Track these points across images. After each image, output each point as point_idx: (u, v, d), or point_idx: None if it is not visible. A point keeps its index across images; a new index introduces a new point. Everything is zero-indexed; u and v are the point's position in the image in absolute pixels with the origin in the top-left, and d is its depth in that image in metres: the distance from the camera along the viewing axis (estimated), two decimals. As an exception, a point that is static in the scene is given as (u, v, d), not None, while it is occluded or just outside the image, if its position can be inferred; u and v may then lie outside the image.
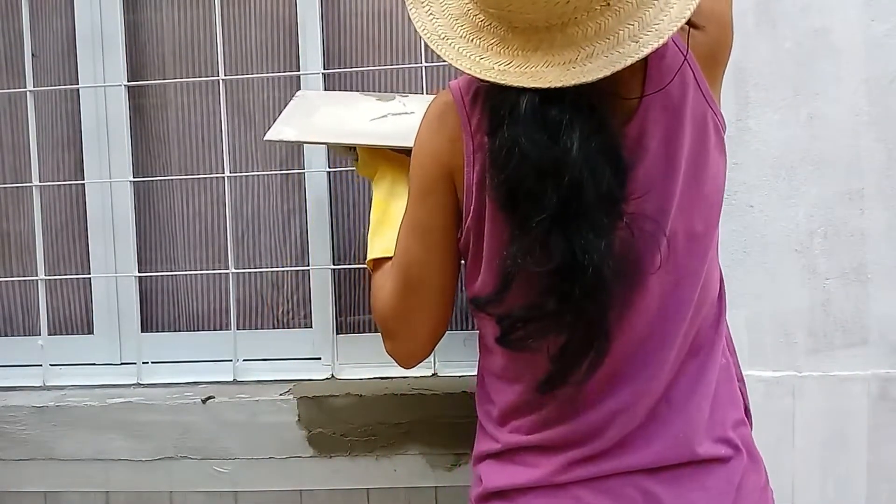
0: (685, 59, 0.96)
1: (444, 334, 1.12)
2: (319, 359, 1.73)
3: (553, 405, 1.00)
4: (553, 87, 0.85)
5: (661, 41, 0.85)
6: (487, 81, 0.89)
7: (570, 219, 0.85)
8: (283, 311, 1.82)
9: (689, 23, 0.99)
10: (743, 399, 1.12)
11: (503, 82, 0.88)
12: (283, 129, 1.42)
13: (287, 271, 1.81)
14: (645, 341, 0.98)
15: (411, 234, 1.05)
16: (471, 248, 1.02)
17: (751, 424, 1.12)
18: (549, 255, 0.86)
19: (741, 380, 1.14)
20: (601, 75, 0.85)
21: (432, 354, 1.63)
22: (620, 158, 0.89)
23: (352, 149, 1.40)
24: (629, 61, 0.85)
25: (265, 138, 1.42)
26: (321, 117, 1.43)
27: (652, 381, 0.99)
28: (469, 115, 0.98)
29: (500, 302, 0.93)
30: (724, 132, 1.02)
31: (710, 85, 1.00)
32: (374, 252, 1.18)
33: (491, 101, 0.92)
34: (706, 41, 1.00)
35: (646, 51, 0.85)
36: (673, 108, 0.95)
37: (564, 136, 0.85)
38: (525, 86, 0.86)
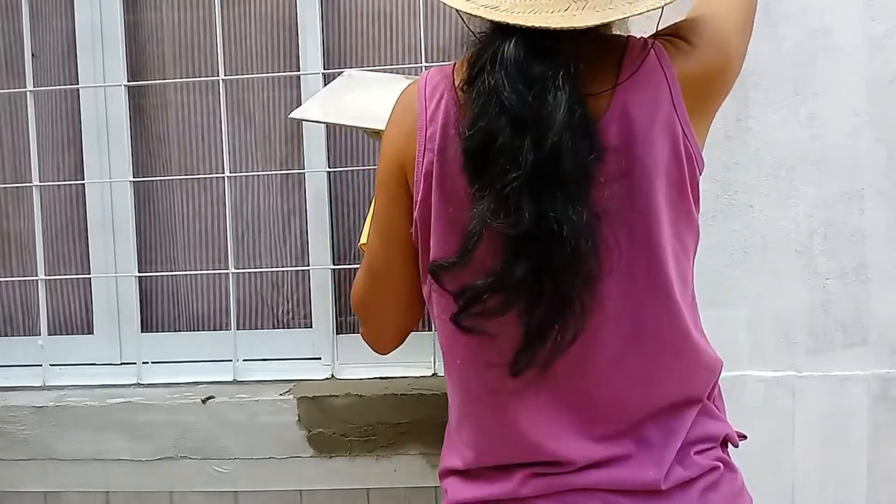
0: (663, 70, 0.92)
1: (416, 323, 1.12)
2: (319, 359, 1.73)
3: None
4: (539, 26, 0.83)
5: (656, 4, 0.86)
6: (474, 17, 0.88)
7: (546, 185, 0.82)
8: (283, 311, 1.82)
9: (680, 35, 0.97)
10: (718, 405, 1.08)
11: (490, 17, 0.86)
12: (309, 108, 1.42)
13: (287, 271, 1.81)
14: (604, 345, 0.94)
15: (374, 227, 1.06)
16: (420, 243, 1.00)
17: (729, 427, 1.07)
18: (520, 217, 0.83)
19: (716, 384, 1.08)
20: (592, 23, 0.84)
21: (432, 354, 1.63)
22: (597, 137, 0.87)
23: (379, 132, 1.40)
24: (621, 14, 0.85)
25: (290, 115, 1.43)
26: (353, 99, 1.43)
27: (608, 390, 0.96)
28: (426, 106, 0.96)
29: (462, 267, 0.89)
30: (700, 170, 0.96)
31: (692, 112, 0.94)
32: (363, 237, 1.22)
33: (474, 48, 0.90)
34: (697, 63, 0.95)
35: (639, 9, 0.85)
36: (637, 122, 0.90)
37: (550, 94, 0.83)
38: (510, 22, 0.84)
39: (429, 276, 0.96)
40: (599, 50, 0.93)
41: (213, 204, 1.83)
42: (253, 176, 1.80)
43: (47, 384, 1.74)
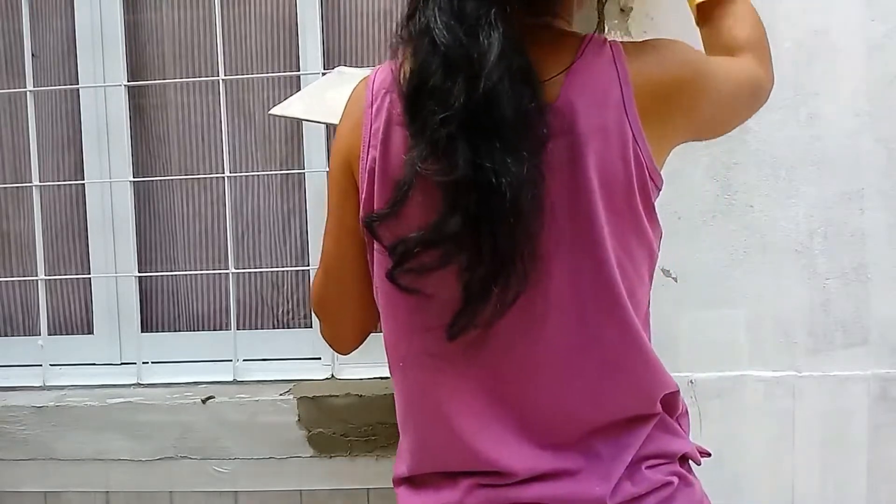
0: (616, 69, 0.88)
1: (374, 322, 1.07)
2: (319, 359, 1.73)
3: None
4: None
5: None
6: None
7: (482, 132, 0.79)
8: (283, 311, 1.82)
9: (654, 42, 0.94)
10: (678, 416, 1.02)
11: None
12: (290, 105, 1.41)
13: (287, 271, 1.81)
14: (550, 348, 0.90)
15: (327, 224, 1.03)
16: (367, 239, 0.97)
17: (686, 431, 1.04)
18: (453, 164, 0.79)
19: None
20: None
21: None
22: (540, 89, 0.82)
23: None
24: None
25: (269, 112, 1.42)
26: (335, 95, 1.40)
27: (550, 396, 0.91)
28: (373, 100, 0.93)
29: (397, 220, 0.86)
30: (656, 184, 0.91)
31: (647, 118, 0.88)
32: None
33: None
34: (657, 67, 0.90)
35: None
36: (582, 115, 0.86)
37: (483, 32, 0.79)
38: None
39: (367, 232, 0.92)
40: (554, 42, 0.90)
41: (213, 204, 1.83)
42: (253, 176, 1.80)
43: (47, 384, 1.74)
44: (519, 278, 0.82)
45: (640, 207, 0.89)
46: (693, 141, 1.01)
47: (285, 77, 1.78)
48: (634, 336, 0.91)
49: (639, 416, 0.94)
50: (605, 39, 0.91)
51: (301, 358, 1.75)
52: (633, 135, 0.86)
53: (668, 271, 1.53)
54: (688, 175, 1.54)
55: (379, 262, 0.93)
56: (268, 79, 1.80)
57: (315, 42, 1.72)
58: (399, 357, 0.97)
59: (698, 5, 1.12)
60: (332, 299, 1.06)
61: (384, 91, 0.92)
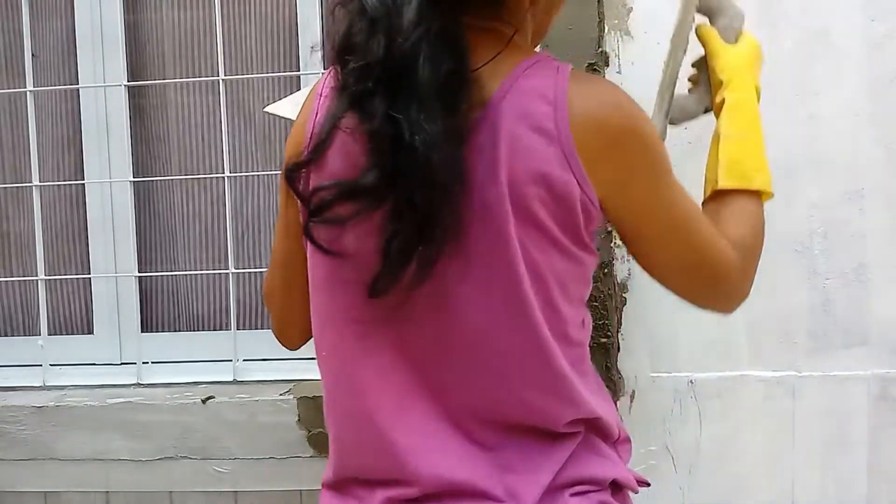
0: (555, 87, 0.85)
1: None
2: (319, 359, 1.73)
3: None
4: None
5: None
6: None
7: (401, 90, 0.79)
8: (283, 311, 1.82)
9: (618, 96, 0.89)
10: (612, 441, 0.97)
11: None
12: (282, 105, 1.42)
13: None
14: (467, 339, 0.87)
15: (278, 219, 1.03)
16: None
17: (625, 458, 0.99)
18: (370, 116, 0.80)
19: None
20: None
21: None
22: (464, 61, 0.82)
23: None
24: None
25: (264, 109, 1.42)
26: None
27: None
28: (320, 98, 0.92)
29: (316, 173, 0.87)
30: (595, 214, 0.87)
31: (584, 151, 0.84)
32: None
33: None
34: (596, 106, 0.86)
35: None
36: (506, 130, 0.83)
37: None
38: None
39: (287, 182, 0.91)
40: (497, 48, 0.87)
41: (213, 204, 1.83)
42: (253, 176, 1.80)
43: (47, 384, 1.74)
44: (437, 242, 0.81)
45: (564, 229, 0.86)
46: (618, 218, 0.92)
47: (285, 77, 1.78)
48: (541, 348, 0.87)
49: (549, 431, 0.89)
50: (557, 62, 0.88)
51: (301, 358, 1.74)
52: (569, 161, 0.84)
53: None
54: (688, 175, 1.53)
55: (300, 221, 0.92)
56: (268, 79, 1.80)
57: (315, 42, 1.72)
58: (324, 345, 0.95)
59: (716, 190, 1.05)
60: (278, 292, 1.05)
61: (329, 88, 0.91)
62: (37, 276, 1.76)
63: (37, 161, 1.75)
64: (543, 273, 0.86)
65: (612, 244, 1.54)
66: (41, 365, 1.75)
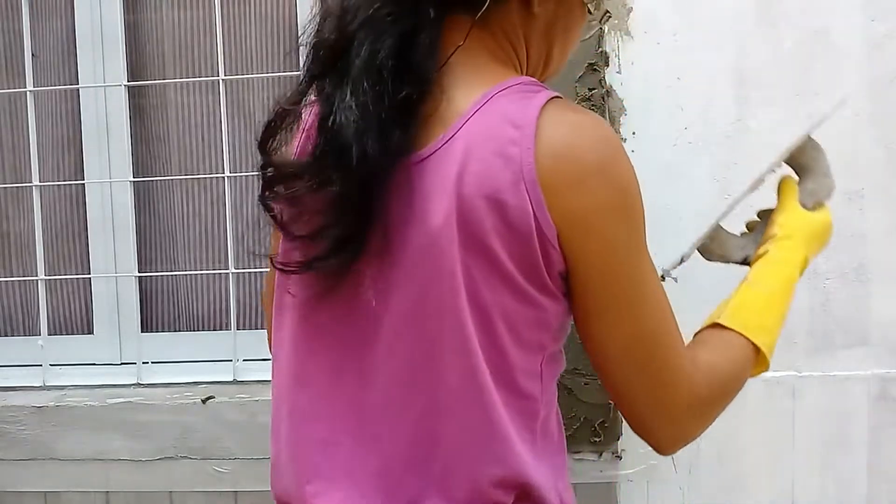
0: (535, 122, 0.77)
1: None
2: (319, 359, 1.73)
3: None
4: None
5: None
6: None
7: (338, 72, 0.79)
8: (283, 311, 1.82)
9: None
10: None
11: None
12: None
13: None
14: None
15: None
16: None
17: None
18: (318, 97, 0.81)
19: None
20: None
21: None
22: (418, 54, 0.78)
23: None
24: None
25: None
26: None
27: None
28: (307, 121, 0.87)
29: (273, 147, 0.85)
30: (557, 263, 0.78)
31: (551, 195, 0.76)
32: None
33: None
34: (569, 144, 0.77)
35: None
36: (471, 156, 0.77)
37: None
38: None
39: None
40: (478, 62, 0.83)
41: (213, 204, 1.83)
42: (253, 176, 1.80)
43: (47, 384, 1.74)
44: (354, 230, 0.77)
45: (520, 265, 0.77)
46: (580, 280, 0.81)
47: (285, 77, 1.78)
48: (477, 392, 0.78)
49: (470, 498, 0.79)
50: (541, 88, 0.81)
51: (301, 358, 1.75)
52: (526, 185, 0.76)
53: (668, 271, 1.53)
54: (688, 175, 1.54)
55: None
56: (268, 79, 1.80)
57: (315, 42, 1.72)
58: (274, 343, 0.92)
59: (714, 323, 0.95)
60: (266, 298, 1.03)
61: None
62: (37, 276, 1.76)
63: (37, 161, 1.75)
64: (489, 309, 0.77)
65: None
66: (41, 365, 1.75)
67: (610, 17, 1.52)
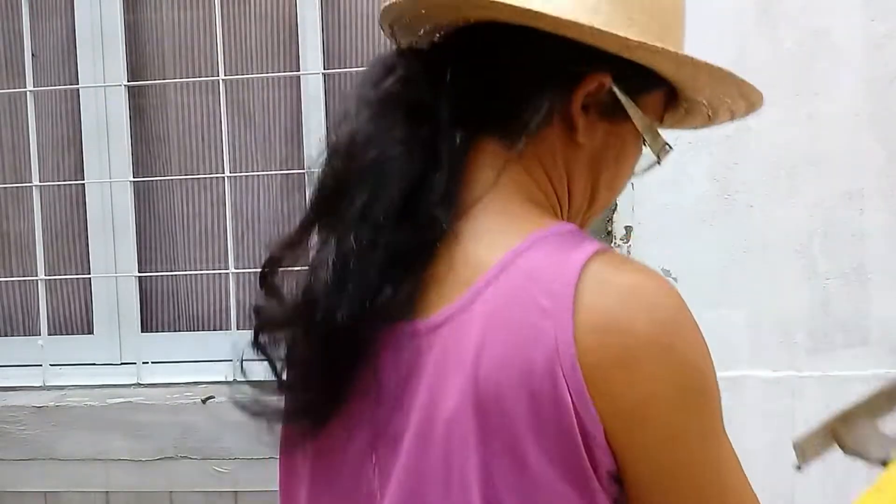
0: (573, 301, 0.59)
1: None
2: (319, 359, 1.73)
3: None
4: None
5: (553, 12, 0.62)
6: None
7: (335, 225, 0.68)
8: (283, 311, 1.82)
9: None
10: None
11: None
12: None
13: (287, 271, 1.81)
14: None
15: None
16: None
17: None
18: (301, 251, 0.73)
19: None
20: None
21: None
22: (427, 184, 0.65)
23: None
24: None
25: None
26: None
27: None
28: None
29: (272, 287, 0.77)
30: (606, 462, 0.61)
31: (598, 389, 0.59)
32: None
33: None
34: (618, 320, 0.60)
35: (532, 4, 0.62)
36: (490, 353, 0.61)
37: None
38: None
39: None
40: (516, 214, 0.66)
41: (213, 204, 1.83)
42: (253, 176, 1.80)
43: (47, 384, 1.74)
44: (321, 398, 0.70)
45: (563, 477, 0.60)
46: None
47: (285, 77, 1.78)
48: None
49: None
50: (583, 238, 0.64)
51: (301, 358, 1.75)
52: (563, 372, 0.59)
53: (668, 271, 1.53)
54: (688, 175, 1.54)
55: None
56: (268, 79, 1.80)
57: (315, 42, 1.72)
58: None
59: None
60: None
61: None
62: (37, 276, 1.76)
63: (37, 161, 1.75)
64: None
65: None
66: (41, 365, 1.75)
67: None
